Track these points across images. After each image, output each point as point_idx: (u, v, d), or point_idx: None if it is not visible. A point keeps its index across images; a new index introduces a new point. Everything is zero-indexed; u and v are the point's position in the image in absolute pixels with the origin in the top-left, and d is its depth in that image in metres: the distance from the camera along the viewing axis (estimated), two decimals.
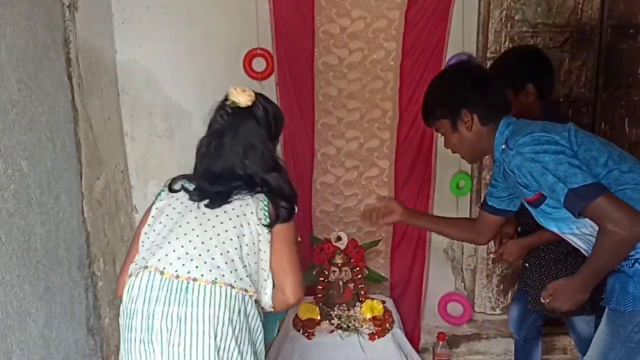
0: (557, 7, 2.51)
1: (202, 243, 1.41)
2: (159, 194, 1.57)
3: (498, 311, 2.89)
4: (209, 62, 2.57)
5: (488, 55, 2.56)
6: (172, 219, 1.48)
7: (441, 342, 2.66)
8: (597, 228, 1.48)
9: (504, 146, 1.63)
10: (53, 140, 1.88)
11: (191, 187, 1.52)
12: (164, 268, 1.39)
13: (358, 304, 2.55)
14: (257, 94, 1.57)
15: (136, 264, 1.45)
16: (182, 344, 1.35)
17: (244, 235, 1.44)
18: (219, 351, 1.36)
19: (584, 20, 2.53)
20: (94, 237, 2.14)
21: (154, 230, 1.48)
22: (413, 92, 2.58)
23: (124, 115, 2.61)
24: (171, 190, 1.54)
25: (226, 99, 1.55)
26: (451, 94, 1.71)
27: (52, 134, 1.88)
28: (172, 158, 2.66)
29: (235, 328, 1.38)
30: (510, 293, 2.86)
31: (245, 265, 1.43)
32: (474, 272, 2.86)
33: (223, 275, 1.38)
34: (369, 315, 2.47)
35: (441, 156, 2.68)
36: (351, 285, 2.55)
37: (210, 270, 1.38)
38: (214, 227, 1.43)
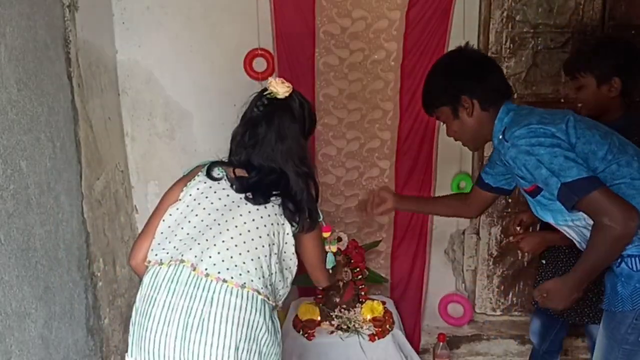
0: (558, 7, 2.50)
1: (236, 246, 1.41)
2: (192, 176, 1.53)
3: (499, 312, 2.89)
4: (209, 62, 2.57)
5: (489, 55, 2.56)
6: (209, 214, 1.45)
7: (441, 343, 2.65)
8: (591, 222, 1.46)
9: (501, 136, 1.61)
10: (53, 141, 1.88)
11: (231, 175, 1.50)
12: (197, 265, 1.38)
13: (358, 304, 2.55)
14: (294, 89, 1.57)
15: (167, 253, 1.42)
16: (202, 342, 1.34)
17: (274, 244, 1.46)
18: (238, 352, 1.36)
19: (585, 20, 2.52)
20: (93, 238, 2.14)
21: (188, 221, 1.45)
22: (414, 93, 2.58)
23: (124, 116, 2.61)
24: (210, 177, 1.51)
25: (264, 90, 1.55)
26: (450, 81, 1.69)
27: (52, 134, 1.88)
28: (172, 158, 2.66)
29: (257, 331, 1.40)
30: (511, 294, 2.85)
31: (272, 274, 1.45)
32: (474, 273, 2.86)
33: (252, 281, 1.39)
34: (369, 316, 2.47)
35: (442, 156, 2.67)
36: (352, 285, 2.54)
37: (240, 274, 1.39)
38: (249, 231, 1.43)
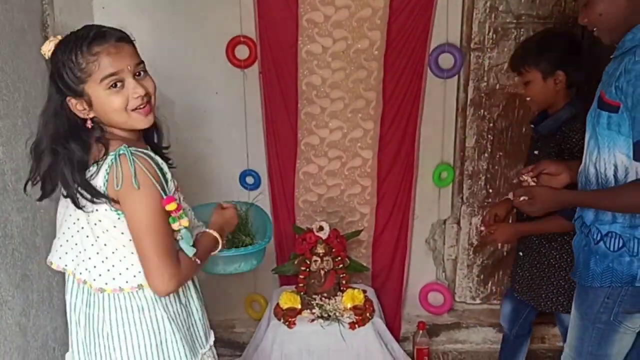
0: None
1: (81, 251, 1.42)
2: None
3: (478, 301, 2.92)
4: (191, 49, 2.54)
5: (472, 46, 2.57)
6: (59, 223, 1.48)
7: (421, 331, 2.68)
8: (610, 179, 1.46)
9: None
10: (30, 127, 1.85)
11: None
12: (65, 265, 1.47)
13: (339, 293, 2.57)
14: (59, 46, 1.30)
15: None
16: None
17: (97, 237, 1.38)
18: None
19: (567, 12, 2.53)
20: None
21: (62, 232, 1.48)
22: (397, 83, 2.58)
23: None
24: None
25: None
26: None
27: (29, 120, 1.85)
28: None
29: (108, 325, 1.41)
30: (490, 283, 2.89)
31: (111, 267, 1.39)
32: (455, 262, 2.89)
33: (95, 280, 1.39)
34: (349, 305, 2.48)
35: (424, 147, 2.68)
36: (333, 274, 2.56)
37: (90, 273, 1.41)
38: (76, 243, 1.43)
